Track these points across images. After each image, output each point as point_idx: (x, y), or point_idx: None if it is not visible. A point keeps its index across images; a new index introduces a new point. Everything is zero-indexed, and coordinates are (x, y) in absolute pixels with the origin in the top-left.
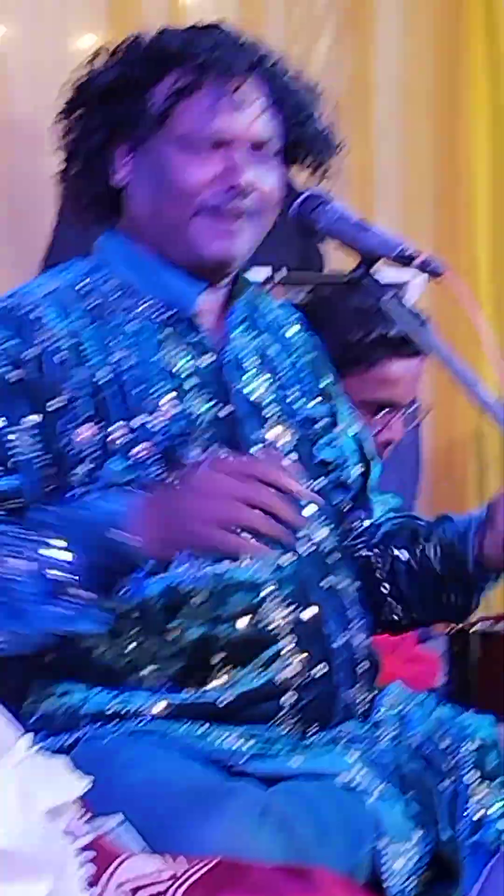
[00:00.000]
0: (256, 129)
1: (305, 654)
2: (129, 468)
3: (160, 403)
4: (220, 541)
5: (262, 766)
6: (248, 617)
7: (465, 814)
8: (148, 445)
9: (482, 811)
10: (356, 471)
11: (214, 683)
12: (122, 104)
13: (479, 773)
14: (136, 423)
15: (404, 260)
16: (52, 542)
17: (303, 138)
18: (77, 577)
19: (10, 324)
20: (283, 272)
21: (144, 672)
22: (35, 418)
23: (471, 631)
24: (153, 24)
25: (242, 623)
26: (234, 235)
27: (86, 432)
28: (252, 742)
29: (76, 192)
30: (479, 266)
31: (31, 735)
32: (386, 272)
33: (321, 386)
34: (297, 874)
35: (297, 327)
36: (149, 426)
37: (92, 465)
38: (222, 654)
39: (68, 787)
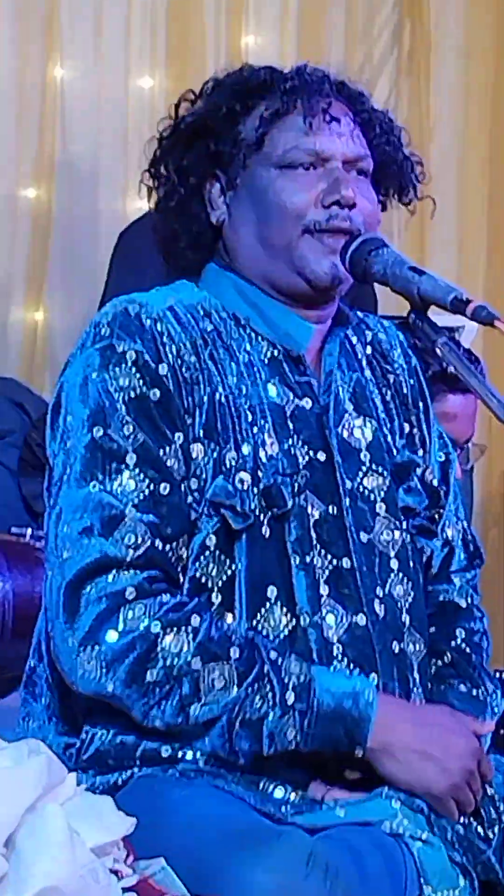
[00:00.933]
0: (351, 146)
1: None
2: (231, 493)
3: (266, 438)
4: (460, 791)
5: (308, 818)
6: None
7: None
8: (251, 477)
9: None
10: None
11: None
12: (215, 139)
13: None
14: (245, 450)
15: (457, 307)
16: (289, 734)
17: (388, 162)
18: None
19: (137, 332)
20: None
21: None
22: (180, 436)
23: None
24: (212, 68)
25: None
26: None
27: (201, 448)
28: (300, 794)
29: (173, 233)
30: None
31: (76, 773)
32: (440, 317)
33: (415, 418)
34: None
35: (398, 352)
36: (255, 457)
37: (202, 483)
38: None
39: (114, 826)
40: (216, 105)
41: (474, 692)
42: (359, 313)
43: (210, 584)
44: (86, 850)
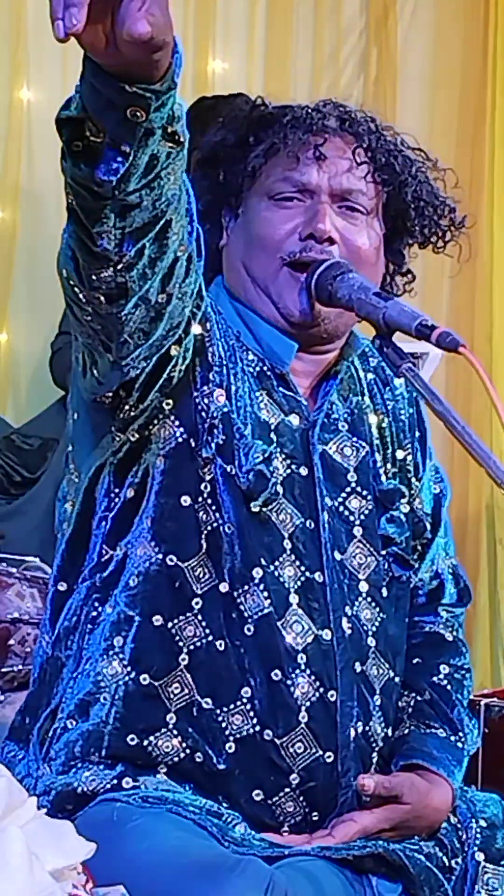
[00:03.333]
0: (341, 182)
1: (312, 738)
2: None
3: (249, 444)
4: None
5: (269, 848)
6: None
7: (475, 893)
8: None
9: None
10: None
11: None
12: (224, 170)
13: (483, 855)
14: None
15: (423, 332)
16: None
17: (399, 204)
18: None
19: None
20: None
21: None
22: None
23: (480, 705)
24: (180, 92)
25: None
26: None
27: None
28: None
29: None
30: (494, 340)
31: (36, 797)
32: (404, 344)
33: (410, 444)
34: None
35: (400, 380)
36: (237, 463)
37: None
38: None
39: (74, 850)
40: (226, 136)
41: (453, 738)
42: (366, 339)
43: (201, 528)
44: (45, 873)
